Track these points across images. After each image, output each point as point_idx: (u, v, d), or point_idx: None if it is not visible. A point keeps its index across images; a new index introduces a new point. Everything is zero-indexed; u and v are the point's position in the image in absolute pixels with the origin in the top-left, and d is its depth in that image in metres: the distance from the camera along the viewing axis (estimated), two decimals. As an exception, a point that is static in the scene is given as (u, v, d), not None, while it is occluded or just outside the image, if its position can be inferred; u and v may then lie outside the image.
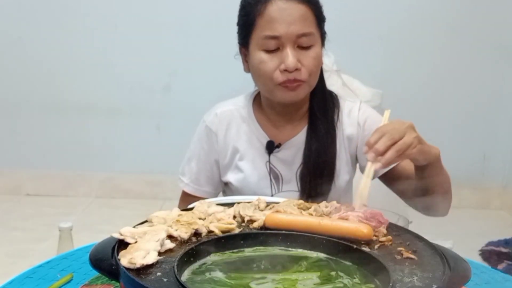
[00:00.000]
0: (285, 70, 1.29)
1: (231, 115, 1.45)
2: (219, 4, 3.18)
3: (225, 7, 3.11)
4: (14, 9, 3.32)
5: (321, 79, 1.41)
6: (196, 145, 1.47)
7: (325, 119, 1.40)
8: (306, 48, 1.31)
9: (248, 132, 1.43)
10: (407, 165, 1.32)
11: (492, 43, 3.36)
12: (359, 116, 1.41)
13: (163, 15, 3.30)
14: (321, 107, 1.40)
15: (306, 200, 1.13)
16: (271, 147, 1.41)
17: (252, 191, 1.34)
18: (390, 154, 1.07)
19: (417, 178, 1.27)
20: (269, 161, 1.41)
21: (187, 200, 1.43)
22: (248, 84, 1.51)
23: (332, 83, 1.59)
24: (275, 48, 1.30)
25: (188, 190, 1.45)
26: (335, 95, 1.46)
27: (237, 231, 0.90)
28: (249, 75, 1.41)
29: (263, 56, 1.31)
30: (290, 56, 1.28)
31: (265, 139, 1.42)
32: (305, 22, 1.29)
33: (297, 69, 1.29)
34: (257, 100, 1.46)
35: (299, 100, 1.36)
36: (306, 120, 1.42)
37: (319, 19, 1.34)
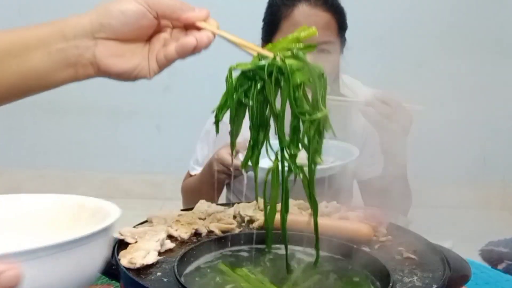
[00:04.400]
0: None
1: None
2: (219, 4, 3.18)
3: (226, 7, 3.13)
4: (14, 9, 3.32)
5: (337, 82, 1.49)
6: (205, 136, 1.52)
7: None
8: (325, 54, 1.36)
9: None
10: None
11: (492, 42, 3.35)
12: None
13: (163, 15, 3.30)
14: None
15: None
16: None
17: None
18: (372, 114, 1.33)
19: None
20: None
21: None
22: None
23: (332, 83, 1.68)
24: None
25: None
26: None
27: (237, 231, 0.90)
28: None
29: None
30: None
31: None
32: (327, 30, 1.35)
33: None
34: None
35: None
36: None
37: (341, 27, 1.40)
